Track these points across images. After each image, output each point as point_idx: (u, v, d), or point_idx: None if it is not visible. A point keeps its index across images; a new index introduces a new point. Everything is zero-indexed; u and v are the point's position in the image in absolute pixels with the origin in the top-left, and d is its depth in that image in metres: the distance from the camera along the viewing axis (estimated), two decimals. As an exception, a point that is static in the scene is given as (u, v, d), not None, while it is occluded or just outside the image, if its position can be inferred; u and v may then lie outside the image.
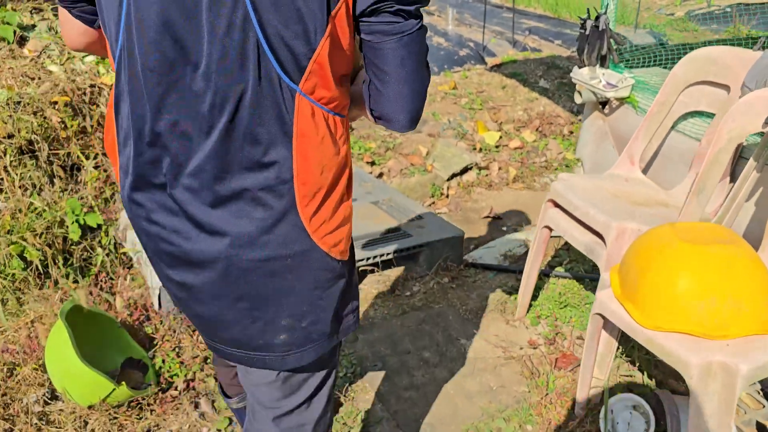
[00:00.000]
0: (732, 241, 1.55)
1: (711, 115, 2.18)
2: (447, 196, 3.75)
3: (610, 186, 2.14)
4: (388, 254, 2.64)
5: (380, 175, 3.89)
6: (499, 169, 3.98)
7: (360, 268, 2.59)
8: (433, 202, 3.68)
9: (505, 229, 3.34)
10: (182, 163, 0.98)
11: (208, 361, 2.11)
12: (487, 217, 3.46)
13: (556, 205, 2.15)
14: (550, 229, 2.20)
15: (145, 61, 0.94)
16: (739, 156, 2.04)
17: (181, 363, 2.09)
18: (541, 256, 2.27)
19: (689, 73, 2.17)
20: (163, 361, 2.07)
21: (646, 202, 2.07)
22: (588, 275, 2.58)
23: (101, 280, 2.45)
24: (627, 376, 2.05)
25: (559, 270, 2.66)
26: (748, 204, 1.90)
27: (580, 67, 2.62)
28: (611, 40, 2.51)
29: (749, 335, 1.47)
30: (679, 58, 2.85)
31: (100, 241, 2.66)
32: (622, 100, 2.52)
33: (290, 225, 1.00)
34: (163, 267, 1.09)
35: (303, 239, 1.02)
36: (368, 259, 2.58)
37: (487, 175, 3.92)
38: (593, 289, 2.51)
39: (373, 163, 4.00)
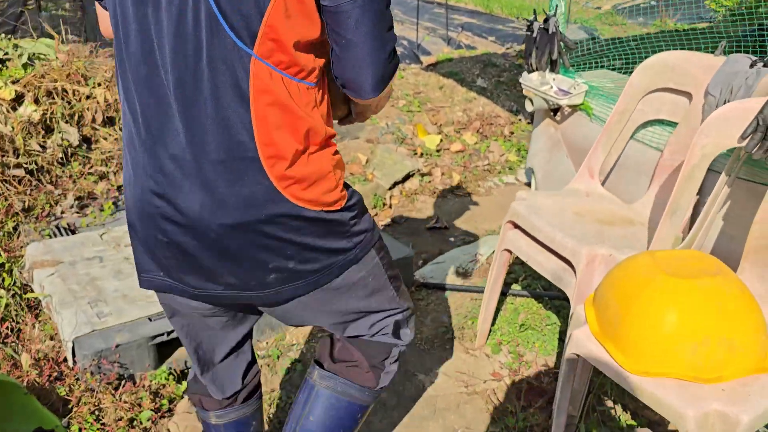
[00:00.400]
0: (719, 271, 1.41)
1: (672, 124, 2.06)
2: (390, 206, 3.56)
3: (572, 203, 2.00)
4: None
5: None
6: (442, 174, 3.82)
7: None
8: (376, 214, 3.47)
9: (453, 240, 3.17)
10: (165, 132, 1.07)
11: (135, 423, 1.84)
12: (433, 227, 3.29)
13: (516, 226, 1.98)
14: (510, 252, 2.03)
15: (128, 46, 1.07)
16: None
17: (102, 427, 1.81)
18: (501, 282, 2.11)
19: (647, 80, 2.05)
20: (81, 430, 1.78)
21: (612, 219, 1.94)
22: (547, 293, 2.44)
23: (5, 330, 2.12)
24: (600, 407, 1.91)
25: (516, 288, 2.51)
26: (717, 220, 1.79)
27: (528, 72, 2.47)
28: (561, 44, 2.37)
29: (744, 376, 1.34)
30: (612, 53, 2.79)
31: (2, 282, 2.31)
32: (575, 107, 2.38)
33: (259, 185, 1.06)
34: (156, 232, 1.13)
35: (275, 199, 1.07)
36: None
37: (430, 181, 3.75)
38: (553, 309, 2.37)
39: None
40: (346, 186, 1.21)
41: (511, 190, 3.69)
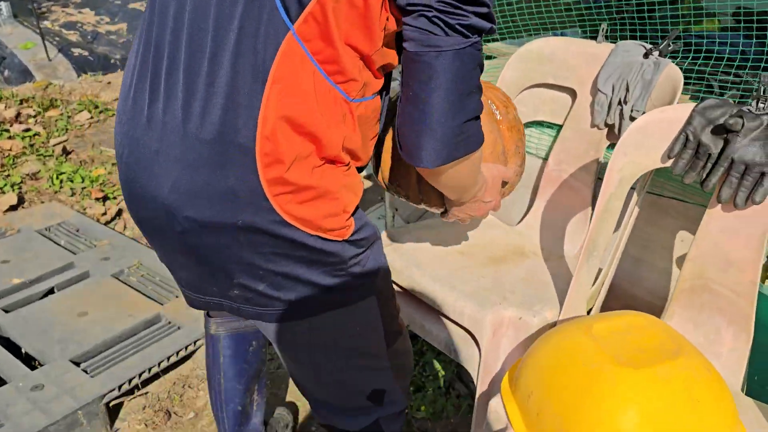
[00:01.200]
0: (677, 347, 1.07)
1: (552, 126, 1.72)
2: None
3: (451, 237, 1.58)
4: (152, 367, 1.80)
5: (119, 213, 2.92)
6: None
7: (111, 402, 1.72)
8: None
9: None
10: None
11: None
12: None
13: (388, 277, 1.53)
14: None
15: None
16: (597, 178, 1.61)
17: None
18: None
19: (520, 75, 1.67)
20: None
21: (503, 254, 1.55)
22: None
23: None
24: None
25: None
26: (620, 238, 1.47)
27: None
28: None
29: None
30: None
31: None
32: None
33: (244, 182, 0.88)
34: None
35: (259, 205, 0.89)
36: (119, 387, 1.72)
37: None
38: (431, 348, 1.98)
39: (106, 198, 3.01)
40: (359, 217, 1.01)
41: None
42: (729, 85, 1.75)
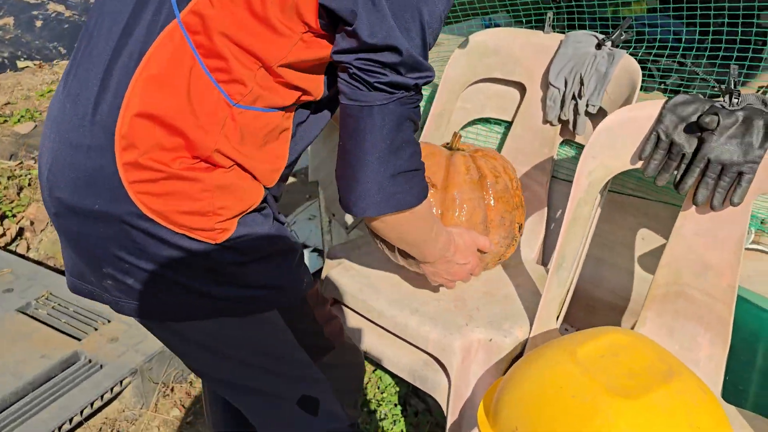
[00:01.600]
0: (668, 368, 0.99)
1: (500, 122, 1.62)
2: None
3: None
4: (73, 417, 1.58)
5: (20, 233, 2.62)
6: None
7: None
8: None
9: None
10: None
11: None
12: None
13: (337, 301, 1.39)
14: (336, 335, 1.44)
15: None
16: (552, 176, 1.53)
17: None
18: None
19: (465, 70, 1.56)
20: None
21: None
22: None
23: None
24: None
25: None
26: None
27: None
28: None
29: None
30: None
31: None
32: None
33: (103, 163, 0.86)
34: None
35: (117, 196, 0.86)
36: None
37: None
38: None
39: (3, 217, 2.69)
40: (246, 223, 0.93)
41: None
42: (667, 69, 1.70)
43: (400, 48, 0.83)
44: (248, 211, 0.93)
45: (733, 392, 1.32)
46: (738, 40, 1.51)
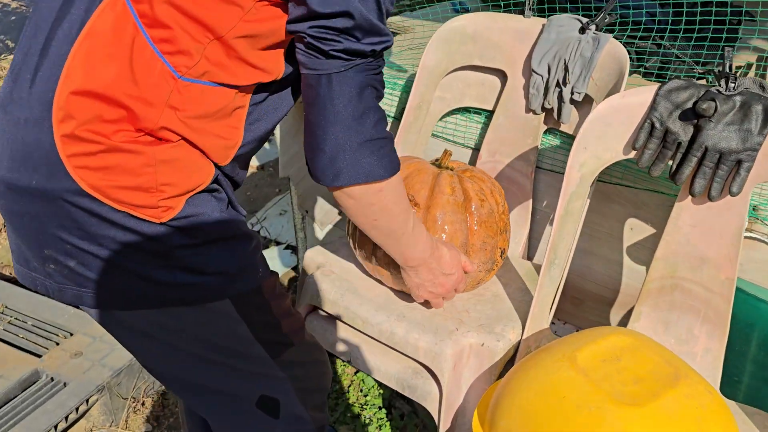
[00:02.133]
0: (673, 370, 0.94)
1: (480, 112, 1.55)
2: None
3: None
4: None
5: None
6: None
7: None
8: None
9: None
10: None
11: None
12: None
13: (316, 308, 1.31)
14: (317, 342, 1.36)
15: None
16: (536, 167, 1.47)
17: None
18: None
19: (443, 58, 1.48)
20: None
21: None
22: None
23: None
24: None
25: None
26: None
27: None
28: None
29: None
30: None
31: None
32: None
33: (42, 137, 0.82)
34: None
35: (55, 172, 0.82)
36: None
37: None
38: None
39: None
40: (196, 204, 0.89)
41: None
42: (649, 51, 1.66)
43: (353, 13, 0.81)
44: (197, 191, 0.90)
45: (728, 383, 1.28)
46: (712, 21, 1.47)
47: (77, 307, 1.18)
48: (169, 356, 0.97)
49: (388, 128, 0.94)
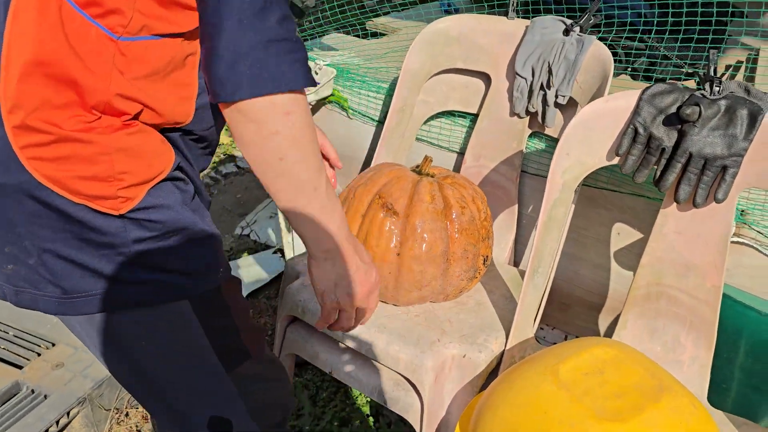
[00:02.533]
0: (657, 382, 0.92)
1: (465, 115, 1.52)
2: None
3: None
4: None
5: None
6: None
7: None
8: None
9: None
10: None
11: None
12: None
13: (297, 319, 1.28)
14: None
15: None
16: (522, 171, 1.44)
17: None
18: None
19: (426, 60, 1.46)
20: None
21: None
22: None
23: None
24: None
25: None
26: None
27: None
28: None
29: None
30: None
31: None
32: (323, 102, 1.71)
33: None
34: None
35: (9, 165, 0.79)
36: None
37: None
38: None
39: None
40: (157, 195, 0.85)
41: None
42: (635, 52, 1.63)
43: None
44: (159, 179, 0.86)
45: (716, 390, 1.26)
46: (698, 21, 1.44)
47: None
48: (121, 362, 0.93)
49: (297, 34, 0.80)
